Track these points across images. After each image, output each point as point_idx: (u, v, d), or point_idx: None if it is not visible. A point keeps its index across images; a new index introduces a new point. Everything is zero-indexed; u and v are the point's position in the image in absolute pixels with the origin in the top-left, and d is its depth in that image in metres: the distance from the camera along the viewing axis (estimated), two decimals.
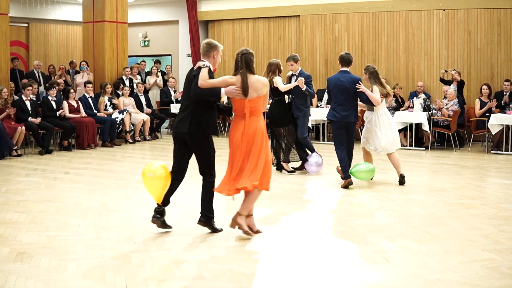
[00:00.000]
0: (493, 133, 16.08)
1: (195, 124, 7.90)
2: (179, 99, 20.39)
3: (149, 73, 21.43)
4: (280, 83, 12.60)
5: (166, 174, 8.09)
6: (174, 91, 20.53)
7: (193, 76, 7.96)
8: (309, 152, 12.82)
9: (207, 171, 8.06)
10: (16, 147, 15.24)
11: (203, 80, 7.74)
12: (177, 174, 8.17)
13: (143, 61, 22.00)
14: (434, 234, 8.03)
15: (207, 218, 8.10)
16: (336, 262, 6.92)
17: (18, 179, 12.39)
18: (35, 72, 19.62)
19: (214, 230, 8.12)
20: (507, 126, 16.05)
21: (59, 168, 13.61)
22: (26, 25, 23.89)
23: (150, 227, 8.37)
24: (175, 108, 19.86)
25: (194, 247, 7.45)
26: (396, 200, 10.19)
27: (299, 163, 13.08)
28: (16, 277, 6.36)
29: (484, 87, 17.13)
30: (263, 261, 7.03)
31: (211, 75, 7.89)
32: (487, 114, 16.45)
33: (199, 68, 7.89)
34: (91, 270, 6.57)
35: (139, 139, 18.41)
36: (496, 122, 15.88)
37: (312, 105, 14.94)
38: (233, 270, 6.55)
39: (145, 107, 19.03)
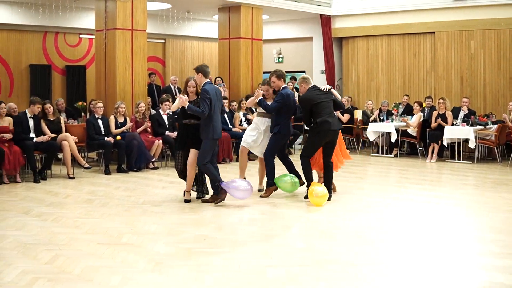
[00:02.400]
0: None
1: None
2: None
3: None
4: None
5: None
6: None
7: (330, 94, 11.75)
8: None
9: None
10: (154, 159, 15.59)
11: None
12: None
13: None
14: None
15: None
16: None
17: (155, 191, 12.67)
18: (172, 87, 20.02)
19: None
20: None
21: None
22: (163, 41, 24.48)
23: (285, 242, 8.45)
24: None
25: (327, 264, 7.45)
26: None
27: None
28: None
29: None
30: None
31: None
32: None
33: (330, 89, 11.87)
34: (227, 283, 6.65)
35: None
36: None
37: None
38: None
39: None
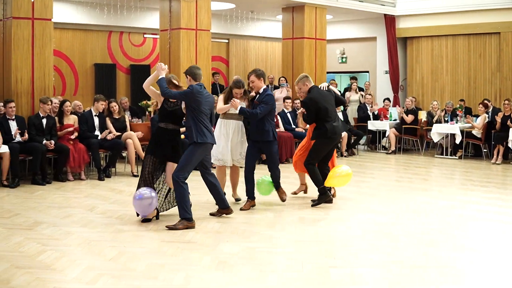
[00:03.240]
0: None
1: None
2: (375, 112, 20.27)
3: (347, 89, 21.54)
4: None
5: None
6: (371, 107, 20.43)
7: (331, 94, 11.54)
8: None
9: None
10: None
11: None
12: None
13: (333, 79, 22.06)
14: None
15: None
16: None
17: None
18: None
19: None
20: None
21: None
22: (227, 41, 24.54)
23: (348, 242, 8.41)
24: (372, 124, 19.74)
25: (392, 266, 7.39)
26: None
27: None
28: (217, 286, 6.56)
29: None
30: None
31: None
32: None
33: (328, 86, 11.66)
34: (290, 283, 6.64)
35: (336, 156, 18.37)
36: None
37: None
38: None
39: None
